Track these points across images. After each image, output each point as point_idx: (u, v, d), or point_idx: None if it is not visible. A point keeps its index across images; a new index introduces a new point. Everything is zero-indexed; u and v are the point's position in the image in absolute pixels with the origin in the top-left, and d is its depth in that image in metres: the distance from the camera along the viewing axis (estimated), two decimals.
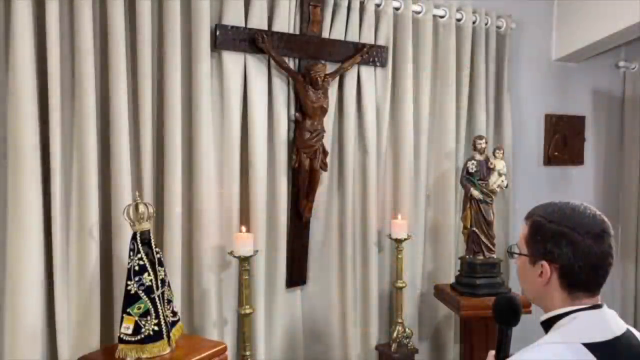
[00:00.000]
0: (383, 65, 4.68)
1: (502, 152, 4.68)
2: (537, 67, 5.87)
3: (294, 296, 4.56)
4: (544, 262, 2.00)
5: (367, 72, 4.60)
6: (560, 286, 2.00)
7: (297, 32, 4.27)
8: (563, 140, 6.06)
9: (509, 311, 2.29)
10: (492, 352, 2.29)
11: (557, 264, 1.98)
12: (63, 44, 3.30)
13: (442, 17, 4.97)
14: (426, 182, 5.05)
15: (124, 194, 3.49)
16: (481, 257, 4.57)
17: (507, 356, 2.15)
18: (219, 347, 3.47)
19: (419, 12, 4.84)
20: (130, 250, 3.19)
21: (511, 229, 5.44)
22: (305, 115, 4.19)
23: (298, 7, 4.24)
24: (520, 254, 2.12)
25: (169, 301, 3.37)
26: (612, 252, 2.00)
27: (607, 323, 1.97)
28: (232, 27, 3.93)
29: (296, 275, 4.51)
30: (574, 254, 1.94)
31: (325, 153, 4.34)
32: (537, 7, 5.74)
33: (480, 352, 4.29)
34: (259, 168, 4.10)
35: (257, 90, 4.07)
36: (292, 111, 4.28)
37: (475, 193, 4.54)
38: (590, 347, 1.88)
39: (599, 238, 1.96)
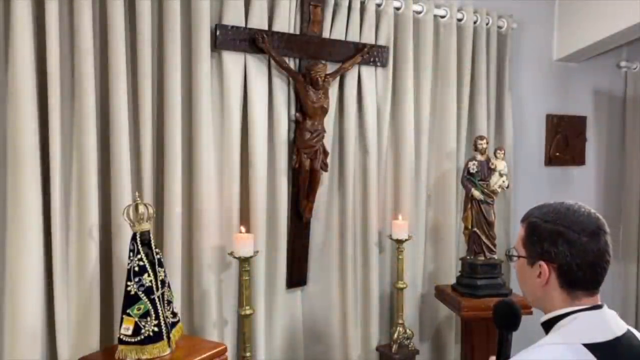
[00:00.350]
0: (384, 65, 4.68)
1: (503, 152, 4.68)
2: (538, 67, 5.87)
3: (294, 297, 4.56)
4: (542, 262, 2.01)
5: (367, 72, 4.61)
6: (560, 286, 2.01)
7: (298, 32, 4.27)
8: (564, 141, 6.06)
9: (509, 316, 2.31)
10: (492, 358, 2.31)
11: (555, 263, 1.99)
12: (63, 43, 3.30)
13: (443, 17, 4.97)
14: (427, 182, 5.05)
15: (123, 194, 3.49)
16: (482, 258, 4.58)
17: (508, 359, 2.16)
18: (219, 348, 3.46)
19: (419, 12, 4.84)
20: (130, 250, 3.19)
21: (512, 230, 5.43)
22: (306, 115, 4.19)
23: (298, 7, 4.25)
24: (518, 256, 2.13)
25: (169, 302, 3.37)
26: (609, 250, 2.01)
27: (608, 323, 1.98)
28: (232, 27, 3.94)
29: (296, 275, 4.51)
30: (570, 252, 1.96)
31: (325, 153, 4.34)
32: (538, 7, 5.74)
33: (481, 353, 4.32)
34: (259, 168, 4.10)
35: (257, 91, 4.07)
36: (293, 111, 4.28)
37: (476, 193, 4.54)
38: (591, 347, 1.89)
39: (595, 235, 1.98)
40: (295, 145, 4.24)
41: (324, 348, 4.70)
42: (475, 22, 5.14)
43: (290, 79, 4.23)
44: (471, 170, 4.55)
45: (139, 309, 3.12)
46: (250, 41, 4.00)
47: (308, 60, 4.27)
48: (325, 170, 4.39)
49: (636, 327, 2.09)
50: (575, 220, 1.99)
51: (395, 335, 4.62)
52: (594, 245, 1.97)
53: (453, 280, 4.82)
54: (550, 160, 6.02)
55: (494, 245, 4.61)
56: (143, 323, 3.11)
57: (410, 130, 4.83)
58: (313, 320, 4.66)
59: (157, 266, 3.25)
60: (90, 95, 3.36)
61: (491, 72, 5.31)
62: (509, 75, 5.45)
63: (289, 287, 4.48)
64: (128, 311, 3.12)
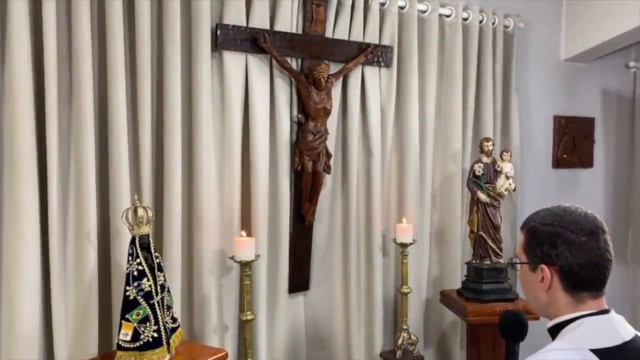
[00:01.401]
0: (388, 65, 4.67)
1: (509, 154, 4.66)
2: (546, 68, 5.85)
3: (296, 302, 4.55)
4: (544, 266, 2.06)
5: (371, 72, 4.60)
6: (563, 289, 2.04)
7: (300, 32, 4.26)
8: (572, 142, 6.05)
9: (515, 326, 2.33)
10: None
11: (556, 265, 2.03)
12: (60, 43, 3.29)
13: (448, 16, 4.96)
14: (432, 184, 5.04)
15: (122, 196, 3.49)
16: (488, 262, 4.55)
17: None
18: (220, 354, 3.45)
19: (424, 11, 4.83)
20: (129, 254, 3.17)
21: (519, 233, 5.40)
22: (308, 116, 4.19)
23: (301, 6, 4.23)
24: (520, 263, 2.16)
25: (169, 307, 3.35)
26: (609, 248, 2.05)
27: (615, 328, 1.99)
28: (233, 26, 3.93)
29: (299, 280, 4.50)
30: (570, 252, 2.00)
31: (328, 155, 4.34)
32: (545, 6, 5.73)
33: (487, 359, 4.31)
34: (260, 170, 4.09)
35: (258, 91, 4.06)
36: (295, 112, 4.27)
37: (482, 196, 4.53)
38: (598, 352, 1.89)
39: (594, 234, 2.02)
40: (298, 147, 4.24)
41: (327, 354, 4.68)
42: (481, 22, 5.13)
43: (293, 79, 4.23)
44: (477, 173, 4.54)
45: (138, 314, 3.11)
46: (252, 41, 3.99)
47: (310, 60, 4.26)
48: (328, 173, 4.40)
49: None
50: (572, 221, 2.04)
51: (400, 341, 4.60)
52: (593, 244, 2.01)
53: (458, 285, 4.80)
54: (557, 163, 6.01)
55: (500, 249, 4.59)
56: (142, 328, 3.10)
57: (414, 131, 4.82)
58: (316, 326, 4.66)
59: (156, 270, 3.24)
60: (88, 95, 3.36)
61: (497, 73, 5.30)
62: (515, 75, 5.44)
63: (291, 291, 4.47)
64: (127, 316, 3.11)
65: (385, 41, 4.65)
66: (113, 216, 3.50)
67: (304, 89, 4.17)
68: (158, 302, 3.18)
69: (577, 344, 1.93)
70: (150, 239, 3.27)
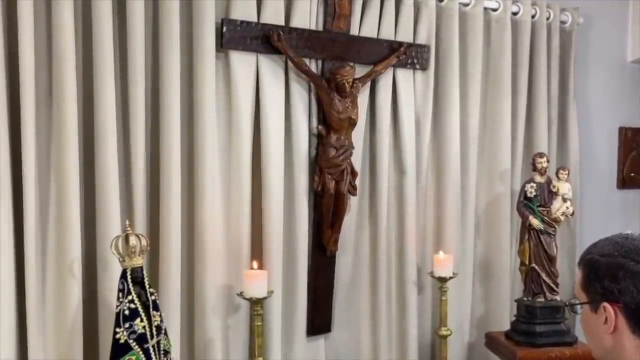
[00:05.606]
0: (424, 68, 4.65)
1: (567, 172, 4.63)
2: (610, 70, 5.79)
3: (316, 346, 4.52)
4: (606, 304, 1.99)
5: (404, 76, 4.58)
6: (631, 331, 1.97)
7: (320, 29, 4.25)
8: None
9: None
10: None
11: (620, 302, 1.96)
12: (38, 42, 3.31)
13: (495, 10, 4.92)
14: (475, 208, 5.00)
15: (111, 221, 3.49)
16: (542, 300, 4.53)
17: None
18: None
19: (467, 5, 4.79)
20: (120, 291, 3.18)
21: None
22: (330, 128, 4.16)
23: None
24: (580, 304, 2.11)
25: (166, 352, 3.34)
26: None
27: None
28: (242, 22, 3.92)
29: (319, 320, 4.47)
30: (635, 286, 1.94)
31: (353, 174, 4.31)
32: None
33: None
34: (274, 192, 4.08)
35: (271, 98, 4.05)
36: (314, 123, 4.26)
37: (535, 222, 4.49)
38: None
39: None
40: (318, 164, 4.22)
41: None
42: (533, 17, 5.08)
43: (312, 84, 4.21)
44: (529, 195, 4.51)
45: None
46: (264, 39, 3.98)
47: (333, 62, 4.24)
48: (354, 194, 4.36)
49: None
50: (635, 249, 1.98)
51: None
52: None
53: (507, 326, 4.78)
54: (623, 182, 5.94)
55: (556, 285, 4.57)
56: None
57: (455, 145, 4.79)
58: None
59: (151, 309, 3.24)
60: (71, 104, 3.37)
61: (553, 77, 5.25)
62: (574, 79, 5.39)
63: (309, 334, 4.44)
64: None
65: (421, 40, 4.62)
66: (100, 245, 3.50)
67: (325, 96, 4.14)
68: (153, 346, 3.18)
69: None
70: (145, 272, 3.25)
